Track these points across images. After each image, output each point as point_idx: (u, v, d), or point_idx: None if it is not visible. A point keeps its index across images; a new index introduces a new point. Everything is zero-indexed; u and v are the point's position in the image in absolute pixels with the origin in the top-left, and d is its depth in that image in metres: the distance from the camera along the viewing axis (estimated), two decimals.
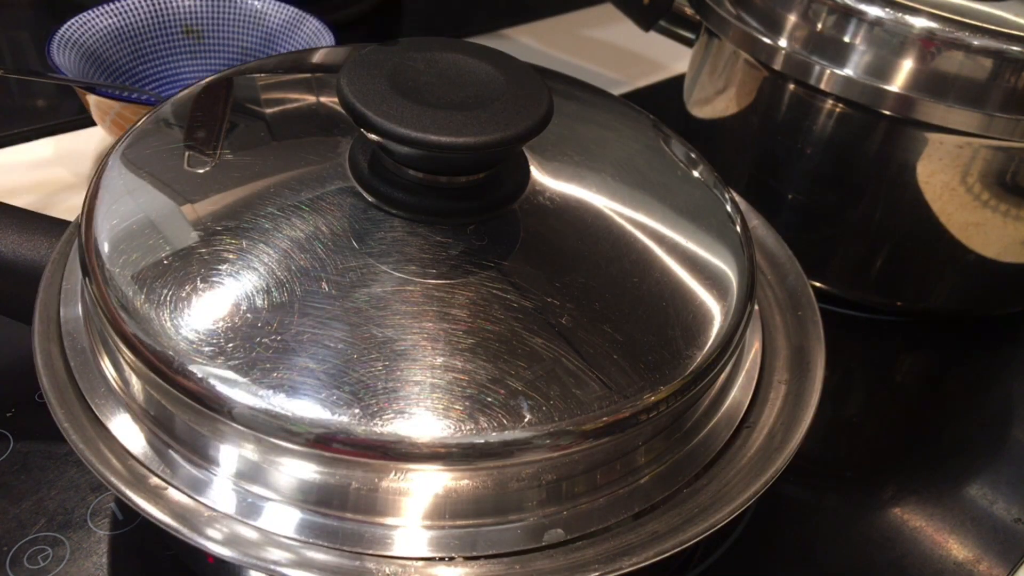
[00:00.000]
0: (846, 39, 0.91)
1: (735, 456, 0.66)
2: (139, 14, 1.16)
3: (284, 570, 0.52)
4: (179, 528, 0.53)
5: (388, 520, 0.55)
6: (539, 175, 0.65)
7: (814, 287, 0.79)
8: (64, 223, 0.73)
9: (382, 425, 0.51)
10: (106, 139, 1.19)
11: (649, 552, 0.56)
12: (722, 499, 0.61)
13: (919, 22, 0.87)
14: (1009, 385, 1.04)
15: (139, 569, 0.70)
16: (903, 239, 0.98)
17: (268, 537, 0.54)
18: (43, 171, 1.14)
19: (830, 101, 0.94)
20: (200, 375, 0.52)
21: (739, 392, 0.68)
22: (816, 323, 0.75)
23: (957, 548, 0.82)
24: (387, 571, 0.54)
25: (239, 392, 0.51)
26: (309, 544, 0.54)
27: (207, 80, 0.69)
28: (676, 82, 1.26)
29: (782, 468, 0.62)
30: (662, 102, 1.46)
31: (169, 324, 0.54)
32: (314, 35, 1.17)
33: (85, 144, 1.18)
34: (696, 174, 0.73)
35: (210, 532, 0.53)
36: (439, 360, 0.53)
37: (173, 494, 0.55)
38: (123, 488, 0.54)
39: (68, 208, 0.92)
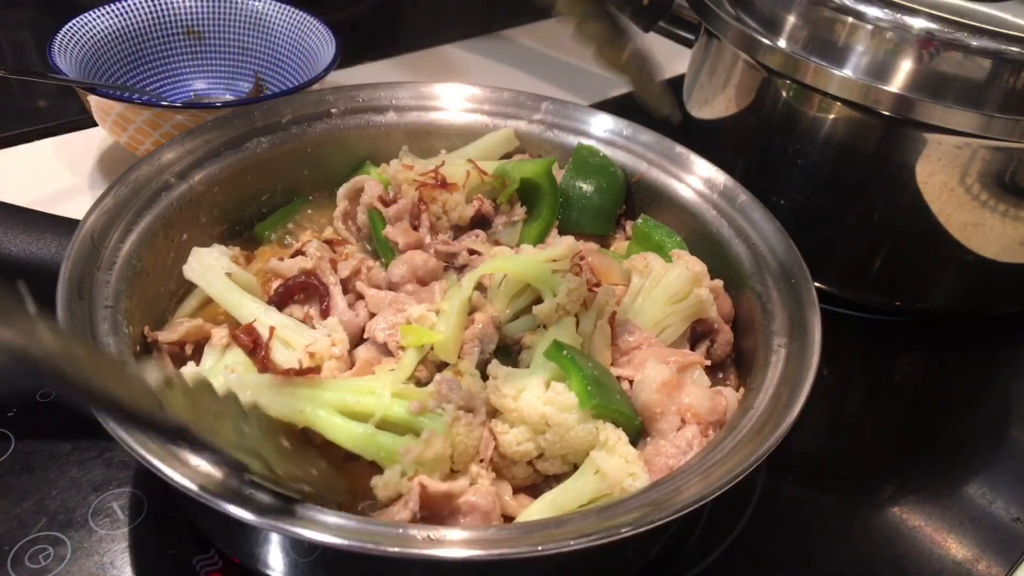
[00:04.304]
0: (845, 40, 0.91)
1: (746, 413, 0.68)
2: (139, 15, 1.17)
3: (311, 533, 0.53)
4: (209, 497, 0.54)
5: None
6: None
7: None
8: (72, 222, 0.73)
9: None
10: (107, 139, 1.19)
11: (676, 505, 0.57)
12: (739, 453, 0.63)
13: (918, 23, 0.88)
14: (1008, 385, 1.04)
15: (140, 568, 0.71)
16: (902, 239, 0.98)
17: (290, 505, 0.55)
18: (44, 171, 1.14)
19: (829, 101, 0.94)
20: None
21: None
22: (809, 289, 0.78)
23: (956, 547, 0.82)
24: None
25: None
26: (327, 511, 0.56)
27: None
28: (676, 83, 1.27)
29: (792, 424, 0.64)
30: None
31: None
32: (315, 37, 1.18)
33: (86, 144, 1.18)
34: None
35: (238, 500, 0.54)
36: None
37: (202, 465, 0.57)
38: (159, 464, 0.55)
39: (70, 208, 0.92)
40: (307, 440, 0.68)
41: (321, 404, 0.65)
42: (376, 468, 0.65)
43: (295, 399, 0.65)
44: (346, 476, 0.67)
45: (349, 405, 0.66)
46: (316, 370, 0.67)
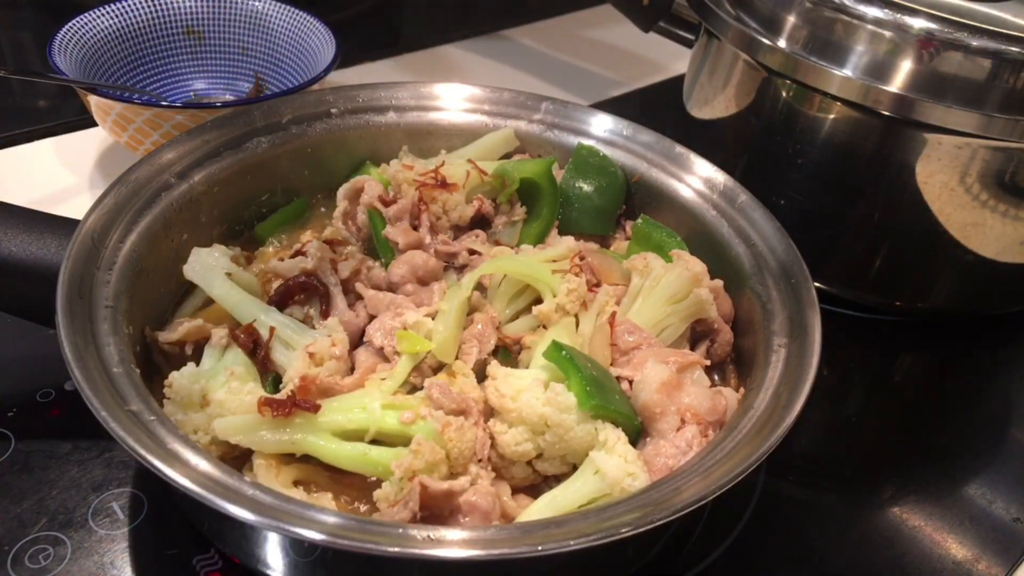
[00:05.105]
0: (845, 40, 0.91)
1: (746, 413, 0.68)
2: (139, 15, 1.17)
3: (311, 533, 0.54)
4: (209, 496, 0.54)
5: None
6: None
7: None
8: (72, 222, 0.74)
9: None
10: (107, 140, 1.19)
11: (677, 505, 0.58)
12: (739, 453, 0.63)
13: (918, 23, 0.87)
14: (1008, 385, 1.04)
15: (140, 568, 0.71)
16: (902, 239, 0.98)
17: (288, 503, 0.56)
18: (44, 171, 1.14)
19: (829, 102, 0.94)
20: None
21: None
22: (809, 289, 0.78)
23: (956, 547, 0.82)
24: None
25: None
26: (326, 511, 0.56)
27: None
28: (676, 83, 1.27)
29: (792, 424, 0.65)
30: (662, 103, 1.46)
31: None
32: (315, 37, 1.18)
33: (86, 145, 1.19)
34: None
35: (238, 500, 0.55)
36: None
37: (202, 465, 0.57)
38: (159, 464, 0.56)
39: (70, 208, 0.93)
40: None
41: (313, 430, 0.66)
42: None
43: (287, 431, 0.65)
44: (350, 484, 0.68)
45: (342, 425, 0.66)
46: (312, 407, 0.66)
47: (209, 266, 0.77)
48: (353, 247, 0.87)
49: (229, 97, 1.23)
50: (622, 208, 0.95)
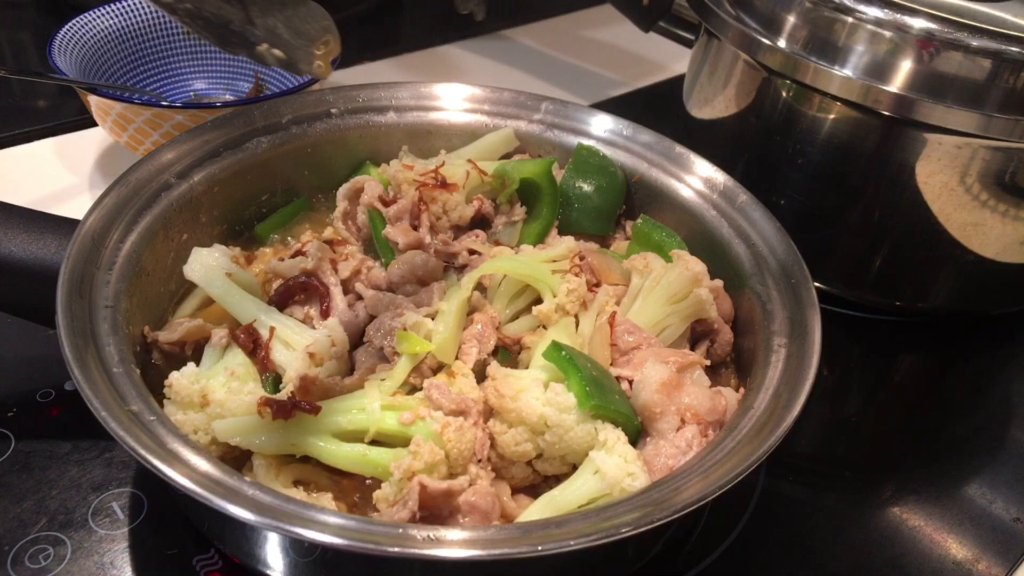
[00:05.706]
0: (845, 40, 0.91)
1: (746, 413, 0.68)
2: (139, 15, 1.17)
3: (311, 533, 0.54)
4: (208, 496, 0.54)
5: None
6: None
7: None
8: (72, 222, 0.74)
9: None
10: (107, 139, 1.19)
11: (677, 505, 0.58)
12: (739, 453, 0.63)
13: (918, 23, 0.87)
14: (1008, 385, 1.04)
15: (140, 568, 0.71)
16: (902, 239, 0.98)
17: (288, 503, 0.56)
18: (44, 171, 1.14)
19: (829, 102, 0.94)
20: None
21: None
22: (809, 289, 0.78)
23: (956, 547, 0.82)
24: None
25: None
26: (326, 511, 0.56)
27: None
28: (676, 83, 1.27)
29: (792, 424, 0.65)
30: (662, 103, 1.46)
31: None
32: None
33: (86, 144, 1.19)
34: None
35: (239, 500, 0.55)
36: None
37: (202, 465, 0.57)
38: (159, 464, 0.56)
39: (70, 208, 0.93)
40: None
41: (313, 431, 0.66)
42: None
43: (287, 432, 0.66)
44: (350, 484, 0.68)
45: (342, 426, 0.67)
46: (312, 408, 0.66)
47: (209, 266, 0.77)
48: (353, 247, 0.87)
49: (229, 97, 1.23)
50: (622, 208, 0.95)
